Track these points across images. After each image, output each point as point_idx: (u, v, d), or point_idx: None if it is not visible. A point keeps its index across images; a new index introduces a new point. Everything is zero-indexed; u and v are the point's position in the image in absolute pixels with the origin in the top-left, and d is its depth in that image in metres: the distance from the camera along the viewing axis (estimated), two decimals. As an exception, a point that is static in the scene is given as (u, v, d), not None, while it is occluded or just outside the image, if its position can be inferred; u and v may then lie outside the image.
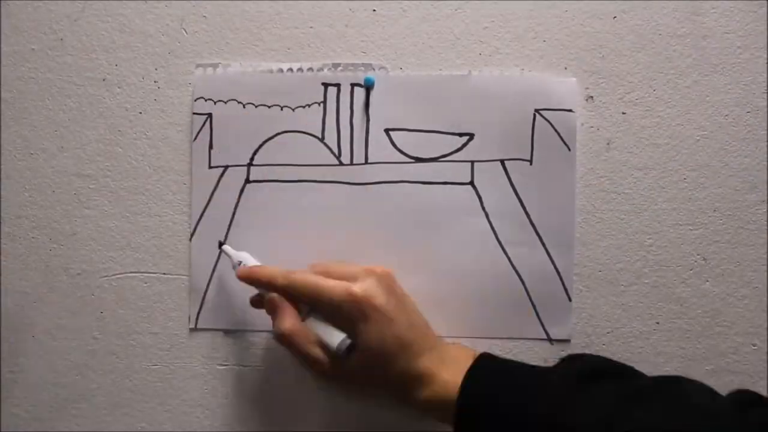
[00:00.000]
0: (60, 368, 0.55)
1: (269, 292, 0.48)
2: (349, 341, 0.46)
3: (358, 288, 0.45)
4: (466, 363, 0.45)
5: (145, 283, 0.54)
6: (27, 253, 0.55)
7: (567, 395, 0.41)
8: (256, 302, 0.50)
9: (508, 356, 0.52)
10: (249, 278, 0.48)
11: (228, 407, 0.54)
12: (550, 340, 0.52)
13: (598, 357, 0.46)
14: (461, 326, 0.52)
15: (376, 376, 0.46)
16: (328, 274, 0.47)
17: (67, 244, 0.54)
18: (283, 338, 0.46)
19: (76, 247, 0.54)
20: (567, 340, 0.52)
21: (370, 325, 0.44)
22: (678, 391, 0.41)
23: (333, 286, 0.46)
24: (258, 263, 0.50)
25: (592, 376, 0.42)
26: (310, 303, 0.47)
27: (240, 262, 0.50)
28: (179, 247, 0.54)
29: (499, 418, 0.42)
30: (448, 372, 0.45)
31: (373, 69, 0.53)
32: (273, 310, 0.47)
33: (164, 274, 0.54)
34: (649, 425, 0.38)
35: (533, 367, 0.46)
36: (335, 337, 0.46)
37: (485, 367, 0.45)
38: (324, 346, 0.46)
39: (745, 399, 0.42)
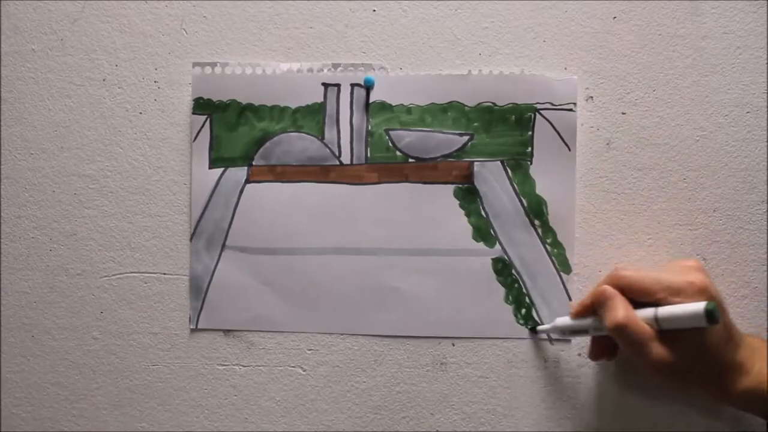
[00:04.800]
0: (60, 368, 0.55)
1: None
2: (713, 304, 0.42)
3: (697, 278, 0.44)
4: (764, 348, 0.45)
5: (145, 283, 0.54)
6: (27, 253, 0.55)
7: None
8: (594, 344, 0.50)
9: (509, 355, 0.52)
10: (581, 308, 0.48)
11: (228, 407, 0.54)
12: (550, 340, 0.52)
13: None
14: (461, 326, 0.52)
15: (705, 365, 0.44)
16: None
17: (67, 244, 0.54)
18: (619, 327, 0.44)
19: (76, 247, 0.54)
20: (567, 340, 0.52)
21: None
22: None
23: (668, 276, 0.45)
24: (568, 319, 0.49)
25: None
26: (643, 298, 0.45)
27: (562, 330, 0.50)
28: (179, 247, 0.54)
29: None
30: (760, 362, 0.45)
31: (373, 69, 0.53)
32: (604, 302, 0.45)
33: (164, 274, 0.54)
34: None
35: None
36: (698, 306, 0.42)
37: None
38: (661, 342, 0.44)
39: None
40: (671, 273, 0.45)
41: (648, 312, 0.44)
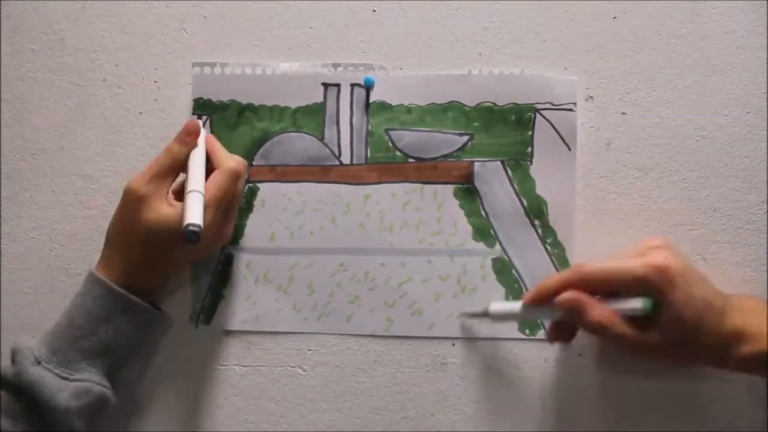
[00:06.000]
0: (60, 368, 0.55)
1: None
2: (651, 300, 0.44)
3: (657, 259, 0.44)
4: (761, 309, 0.45)
5: (145, 283, 0.54)
6: (27, 253, 0.55)
7: None
8: (555, 329, 0.49)
9: (509, 356, 0.52)
10: (538, 296, 0.47)
11: (228, 407, 0.54)
12: (550, 340, 0.52)
13: None
14: (461, 326, 0.52)
15: (688, 342, 0.44)
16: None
17: (67, 244, 0.54)
18: (598, 327, 0.44)
19: (76, 247, 0.54)
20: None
21: (677, 291, 0.43)
22: None
23: (630, 264, 0.45)
24: None
25: None
26: (605, 290, 0.46)
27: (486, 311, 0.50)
28: (179, 247, 0.54)
29: None
30: (755, 324, 0.44)
31: (373, 69, 0.53)
32: (576, 306, 0.45)
33: (164, 274, 0.54)
34: None
35: None
36: (639, 301, 0.44)
37: None
38: (631, 324, 0.45)
39: None
40: (633, 257, 0.45)
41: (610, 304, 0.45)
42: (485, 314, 0.50)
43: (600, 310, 0.45)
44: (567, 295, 0.45)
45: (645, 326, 0.44)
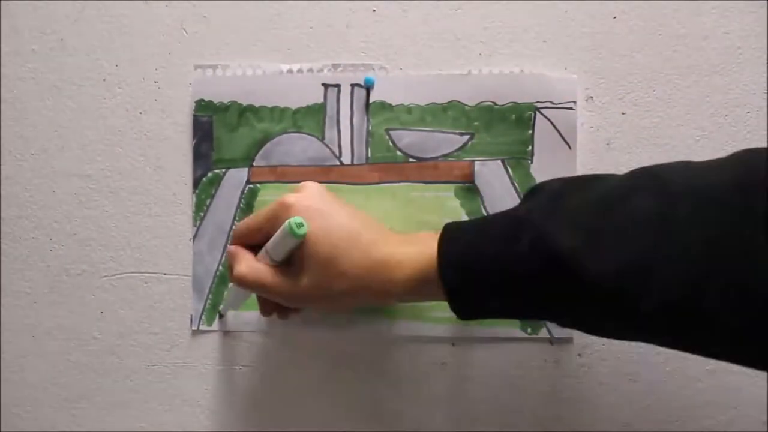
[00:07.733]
0: (60, 368, 0.55)
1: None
2: (298, 219, 0.41)
3: (288, 197, 0.43)
4: (430, 237, 0.42)
5: (145, 283, 0.54)
6: (27, 253, 0.55)
7: (548, 219, 0.38)
8: (262, 303, 0.49)
9: (509, 356, 0.52)
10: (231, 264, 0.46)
11: (228, 407, 0.54)
12: (551, 340, 0.52)
13: (557, 179, 0.42)
14: (461, 326, 0.52)
15: (334, 278, 0.42)
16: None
17: (67, 244, 0.54)
18: (242, 280, 0.44)
19: (76, 247, 0.54)
20: (568, 340, 0.52)
21: (311, 224, 0.42)
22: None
23: (265, 208, 0.44)
24: None
25: (562, 194, 0.40)
26: (258, 239, 0.45)
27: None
28: (180, 247, 0.54)
29: (486, 261, 0.39)
30: (416, 249, 0.42)
31: (373, 69, 0.53)
32: (229, 263, 0.45)
33: (164, 274, 0.54)
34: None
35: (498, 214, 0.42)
36: (283, 225, 0.42)
37: (456, 227, 0.42)
38: (281, 273, 0.43)
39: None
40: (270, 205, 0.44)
41: (263, 251, 0.44)
42: (221, 315, 0.53)
43: (246, 264, 0.44)
44: (227, 249, 0.45)
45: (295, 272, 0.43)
